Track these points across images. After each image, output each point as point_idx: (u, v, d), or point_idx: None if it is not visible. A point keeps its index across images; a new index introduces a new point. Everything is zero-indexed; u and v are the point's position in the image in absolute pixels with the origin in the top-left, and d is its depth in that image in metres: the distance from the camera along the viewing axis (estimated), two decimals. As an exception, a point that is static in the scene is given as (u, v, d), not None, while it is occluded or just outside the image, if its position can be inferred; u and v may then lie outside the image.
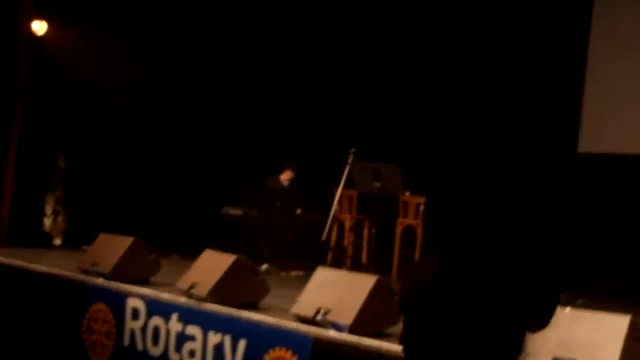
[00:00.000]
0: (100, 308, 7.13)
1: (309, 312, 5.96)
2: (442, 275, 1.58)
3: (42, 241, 10.87)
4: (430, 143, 11.63)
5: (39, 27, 11.05)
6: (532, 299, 1.57)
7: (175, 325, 6.44)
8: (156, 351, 6.55)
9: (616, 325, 4.68)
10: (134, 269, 7.76)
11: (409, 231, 10.36)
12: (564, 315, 4.65)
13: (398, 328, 5.91)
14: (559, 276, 1.62)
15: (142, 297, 6.85)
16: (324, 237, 8.85)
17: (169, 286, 7.35)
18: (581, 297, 8.14)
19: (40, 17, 11.04)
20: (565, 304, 5.31)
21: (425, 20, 11.77)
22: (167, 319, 6.51)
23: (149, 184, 11.75)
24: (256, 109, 12.26)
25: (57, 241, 11.13)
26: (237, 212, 11.18)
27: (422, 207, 10.32)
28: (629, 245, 9.95)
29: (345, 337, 5.61)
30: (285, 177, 11.05)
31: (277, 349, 5.64)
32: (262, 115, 12.25)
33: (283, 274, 9.88)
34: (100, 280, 7.55)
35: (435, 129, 11.68)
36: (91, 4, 11.36)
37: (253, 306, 6.71)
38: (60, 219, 11.23)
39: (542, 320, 1.59)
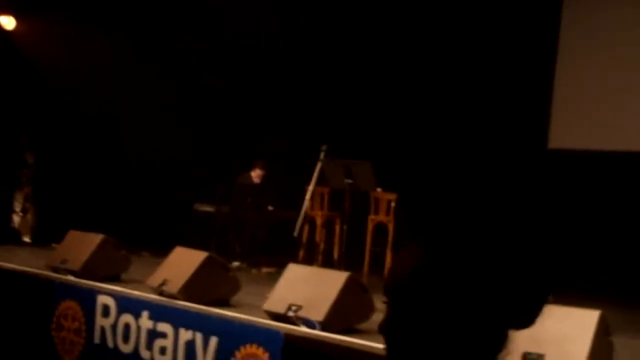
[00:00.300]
0: (70, 305, 7.08)
1: (280, 309, 5.96)
2: (427, 266, 1.58)
3: (11, 238, 10.79)
4: (402, 140, 11.68)
5: (7, 22, 10.95)
6: (517, 295, 1.57)
7: (146, 322, 6.41)
8: (127, 348, 6.52)
9: (586, 319, 4.72)
10: (104, 266, 7.73)
11: (380, 228, 10.40)
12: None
13: (369, 324, 5.95)
14: (546, 273, 1.62)
15: (113, 294, 6.82)
16: (295, 234, 8.83)
17: (139, 283, 7.32)
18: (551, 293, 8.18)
19: (8, 11, 10.95)
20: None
21: (395, 18, 11.81)
22: (137, 316, 6.48)
23: (119, 181, 11.70)
24: (226, 106, 12.24)
25: (26, 238, 11.04)
26: (208, 208, 11.15)
27: (393, 204, 10.36)
28: (598, 240, 10.05)
29: (317, 333, 5.61)
30: (256, 174, 11.04)
31: (248, 345, 5.64)
32: (233, 112, 12.24)
33: (254, 270, 9.86)
34: (70, 278, 7.50)
35: (407, 125, 11.73)
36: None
37: (224, 303, 6.70)
38: (29, 216, 11.15)
39: (527, 318, 1.59)
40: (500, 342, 1.56)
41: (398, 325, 1.62)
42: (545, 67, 10.90)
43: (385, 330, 1.66)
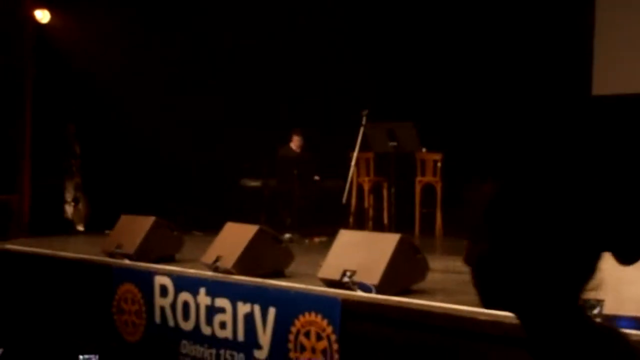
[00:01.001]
0: (128, 289, 7.20)
1: (335, 275, 5.99)
2: (513, 194, 1.55)
3: (65, 228, 10.97)
4: (444, 98, 11.60)
5: (42, 15, 11.06)
6: (612, 226, 1.53)
7: (203, 299, 6.50)
8: (188, 326, 6.62)
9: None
10: (158, 248, 7.82)
11: (428, 189, 10.40)
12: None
13: (425, 284, 5.96)
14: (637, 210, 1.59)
15: (169, 274, 6.91)
16: (344, 201, 8.87)
17: (194, 262, 7.41)
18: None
19: (43, 5, 11.06)
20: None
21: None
22: (195, 293, 6.57)
23: (165, 165, 11.79)
24: (263, 77, 12.26)
25: (80, 227, 11.22)
26: (255, 183, 11.23)
27: (439, 164, 10.34)
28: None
29: (374, 296, 5.64)
30: (295, 144, 11.07)
31: (306, 314, 5.69)
32: (270, 83, 12.25)
33: (306, 241, 9.93)
34: (126, 262, 7.61)
35: (447, 82, 11.64)
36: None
37: (279, 274, 6.75)
38: (81, 205, 11.32)
39: (630, 253, 1.56)
40: (589, 271, 1.53)
41: (492, 254, 1.59)
42: (584, 17, 10.77)
43: (476, 261, 1.63)
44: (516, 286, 1.55)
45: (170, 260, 7.77)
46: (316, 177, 10.92)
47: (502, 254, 1.56)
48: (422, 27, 11.83)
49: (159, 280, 6.91)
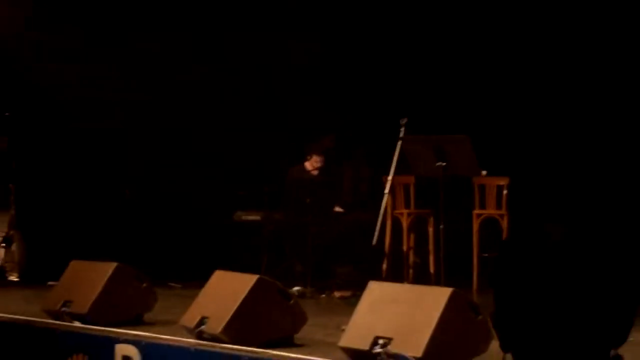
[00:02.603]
0: (80, 361, 7.17)
1: (363, 344, 5.95)
2: (574, 240, 1.69)
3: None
4: (510, 104, 11.57)
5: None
6: None
7: (183, 376, 6.48)
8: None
9: None
10: (120, 305, 7.80)
11: (489, 224, 10.33)
12: None
13: (487, 357, 5.89)
14: None
15: (135, 341, 6.87)
16: (374, 242, 8.83)
17: (170, 325, 7.39)
18: None
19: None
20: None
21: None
22: (171, 368, 6.54)
23: (131, 193, 11.82)
24: (265, 81, 12.34)
25: (13, 277, 11.22)
26: (254, 217, 11.19)
27: (505, 192, 10.28)
28: None
29: (416, 374, 5.61)
30: (312, 164, 11.03)
31: (323, 397, 5.66)
32: (274, 88, 12.32)
33: (323, 296, 9.90)
34: (77, 324, 7.58)
35: (515, 83, 11.61)
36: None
37: (287, 342, 6.73)
38: (15, 247, 11.31)
39: None
40: (626, 332, 1.68)
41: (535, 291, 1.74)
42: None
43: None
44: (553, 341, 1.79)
45: (137, 322, 7.75)
46: (337, 209, 10.88)
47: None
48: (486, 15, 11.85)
49: (122, 350, 6.87)
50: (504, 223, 10.24)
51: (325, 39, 12.25)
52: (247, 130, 12.17)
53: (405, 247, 10.49)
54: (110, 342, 6.99)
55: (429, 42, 12.02)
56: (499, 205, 10.30)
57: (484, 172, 9.96)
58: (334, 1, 12.21)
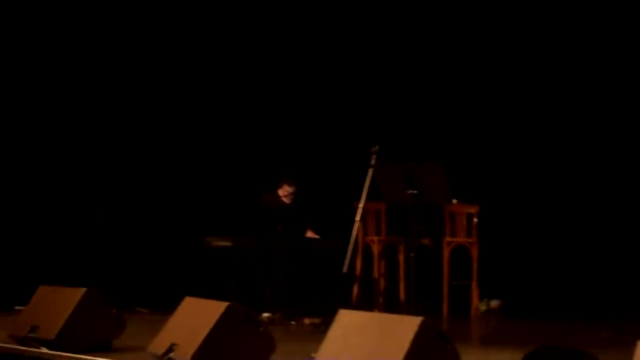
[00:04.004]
0: (46, 388, 7.11)
1: (332, 373, 5.90)
2: None
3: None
4: (483, 132, 11.61)
5: None
6: None
7: (150, 404, 6.41)
8: None
9: None
10: (89, 332, 7.70)
11: (460, 253, 10.32)
12: None
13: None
14: None
15: (103, 368, 6.82)
16: (345, 269, 8.79)
17: (138, 351, 7.31)
18: None
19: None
20: None
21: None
22: (139, 396, 6.49)
23: (101, 216, 11.77)
24: (238, 104, 12.34)
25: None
26: (224, 242, 11.14)
27: (475, 219, 10.28)
28: None
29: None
30: (285, 192, 11.02)
31: None
32: (247, 113, 12.32)
33: (293, 323, 9.84)
34: (44, 351, 7.50)
35: (487, 110, 11.66)
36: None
37: (256, 370, 6.67)
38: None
39: None
40: None
41: None
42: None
43: None
44: None
45: (105, 348, 7.66)
46: (310, 235, 10.86)
47: None
48: (455, 39, 11.89)
49: (90, 376, 6.82)
50: (474, 251, 10.25)
51: (297, 66, 12.29)
52: (219, 157, 12.17)
53: (376, 274, 10.47)
54: (78, 369, 6.95)
55: (401, 71, 12.06)
56: (469, 234, 10.30)
57: (455, 201, 10.00)
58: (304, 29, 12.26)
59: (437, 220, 10.24)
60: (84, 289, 7.83)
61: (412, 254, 8.81)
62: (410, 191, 8.70)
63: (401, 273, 10.13)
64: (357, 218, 9.02)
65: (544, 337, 9.03)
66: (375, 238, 10.59)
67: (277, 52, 12.37)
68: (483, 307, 10.59)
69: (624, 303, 10.19)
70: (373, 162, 8.88)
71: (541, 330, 9.64)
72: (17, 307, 8.81)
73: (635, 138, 10.91)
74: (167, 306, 7.38)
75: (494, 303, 10.72)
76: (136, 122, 12.10)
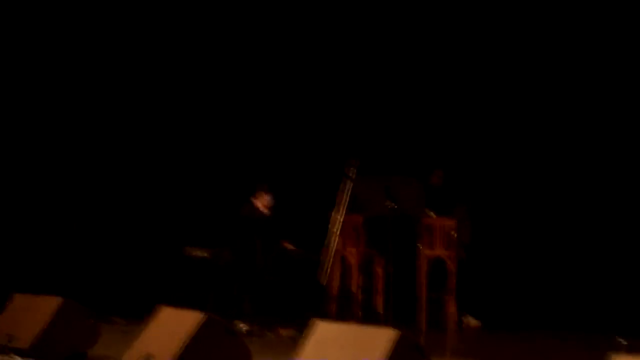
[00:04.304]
0: (21, 397, 7.08)
1: (308, 385, 5.90)
2: None
3: None
4: (459, 146, 11.63)
5: None
6: None
7: (125, 414, 6.38)
8: None
9: None
10: (64, 341, 7.68)
11: (437, 266, 10.32)
12: None
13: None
14: None
15: (78, 378, 6.79)
16: (323, 281, 8.80)
17: (113, 361, 7.29)
18: None
19: None
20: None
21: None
22: (114, 405, 6.46)
23: (76, 225, 11.73)
24: (218, 115, 12.34)
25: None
26: (202, 253, 11.12)
27: (453, 233, 10.28)
28: None
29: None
30: (262, 202, 10.99)
31: None
32: (227, 124, 12.31)
33: (270, 334, 9.82)
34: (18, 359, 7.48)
35: (465, 124, 11.69)
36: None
37: (232, 381, 6.66)
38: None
39: None
40: None
41: None
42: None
43: None
44: None
45: (81, 358, 7.64)
46: (287, 245, 10.84)
47: None
48: (434, 51, 11.92)
49: (64, 386, 6.79)
50: (451, 263, 10.25)
51: (274, 80, 12.33)
52: (197, 167, 12.16)
53: (354, 287, 10.45)
54: (52, 378, 6.92)
55: (380, 85, 12.08)
56: (447, 246, 10.30)
57: (432, 213, 10.01)
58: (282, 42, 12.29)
59: (412, 231, 10.24)
60: (60, 299, 7.81)
61: (389, 267, 8.83)
62: (388, 204, 8.72)
63: (379, 286, 10.11)
64: (335, 229, 9.03)
65: (520, 353, 9.06)
66: (354, 250, 10.57)
67: (254, 65, 12.38)
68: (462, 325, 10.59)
69: (602, 316, 10.21)
70: (352, 175, 8.89)
71: (518, 344, 9.66)
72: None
73: (616, 161, 11.01)
74: (143, 315, 7.36)
75: (473, 322, 10.71)
76: (115, 133, 12.08)
